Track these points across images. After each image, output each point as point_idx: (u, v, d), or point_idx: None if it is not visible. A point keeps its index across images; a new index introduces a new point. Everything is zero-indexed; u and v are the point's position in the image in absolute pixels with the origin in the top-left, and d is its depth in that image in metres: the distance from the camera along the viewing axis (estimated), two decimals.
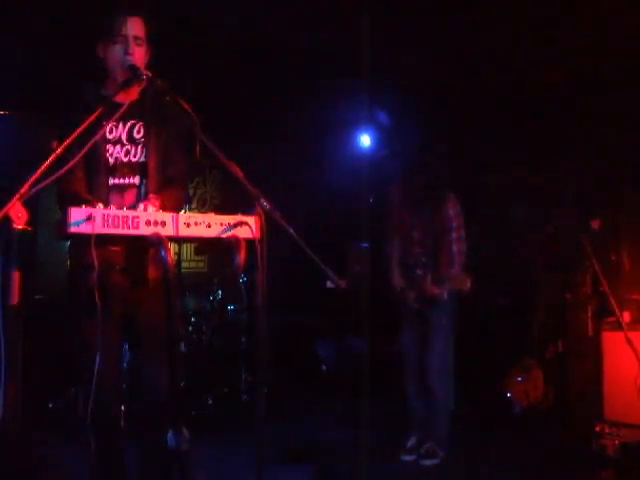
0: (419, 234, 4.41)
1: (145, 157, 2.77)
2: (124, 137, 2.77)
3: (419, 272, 4.34)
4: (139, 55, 2.68)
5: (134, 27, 2.68)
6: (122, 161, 2.75)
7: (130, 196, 2.75)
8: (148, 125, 2.78)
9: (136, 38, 2.68)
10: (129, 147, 2.77)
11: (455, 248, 4.33)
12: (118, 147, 2.75)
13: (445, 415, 4.37)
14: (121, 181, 2.75)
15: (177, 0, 4.79)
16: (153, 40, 2.78)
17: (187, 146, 2.78)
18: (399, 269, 4.48)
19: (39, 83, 5.39)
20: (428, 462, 4.27)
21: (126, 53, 2.65)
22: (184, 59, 5.10)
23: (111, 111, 2.56)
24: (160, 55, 2.84)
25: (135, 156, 2.77)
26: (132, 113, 2.75)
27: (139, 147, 2.77)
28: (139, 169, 2.76)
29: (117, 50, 2.67)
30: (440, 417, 4.36)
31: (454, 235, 4.35)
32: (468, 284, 4.14)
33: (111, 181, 2.73)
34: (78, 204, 2.12)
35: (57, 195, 2.67)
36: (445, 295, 4.25)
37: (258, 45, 5.44)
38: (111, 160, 2.73)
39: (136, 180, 2.76)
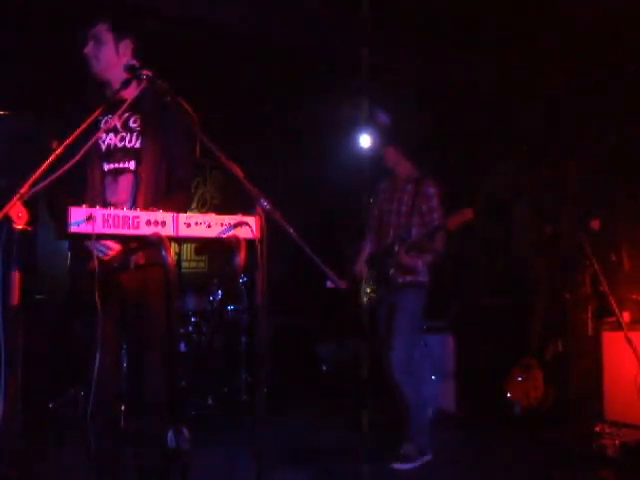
0: (396, 217, 4.37)
1: (141, 144, 2.78)
2: (119, 125, 2.80)
3: (396, 248, 4.28)
4: (97, 51, 2.77)
5: (91, 30, 2.79)
6: (116, 146, 2.77)
7: (126, 180, 2.75)
8: (145, 117, 2.80)
9: (92, 36, 2.78)
10: (124, 134, 2.79)
11: (440, 226, 4.23)
12: (111, 134, 2.78)
13: (417, 414, 4.19)
14: (116, 165, 2.76)
15: (178, 0, 4.80)
16: (130, 32, 2.84)
17: (191, 149, 2.80)
18: (365, 261, 4.48)
19: (39, 83, 5.40)
20: (399, 466, 4.06)
21: (88, 58, 2.78)
22: (184, 59, 5.10)
23: (109, 108, 2.58)
24: (160, 55, 2.85)
25: (130, 142, 2.78)
26: (129, 107, 2.75)
27: (134, 134, 2.79)
28: (134, 154, 2.77)
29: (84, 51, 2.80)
30: (411, 416, 4.19)
31: (436, 215, 4.27)
32: (470, 214, 4.04)
33: (106, 167, 2.75)
34: (61, 207, 2.13)
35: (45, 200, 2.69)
36: (419, 264, 4.21)
37: (258, 45, 5.44)
38: (103, 147, 2.76)
39: (131, 165, 2.76)
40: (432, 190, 4.31)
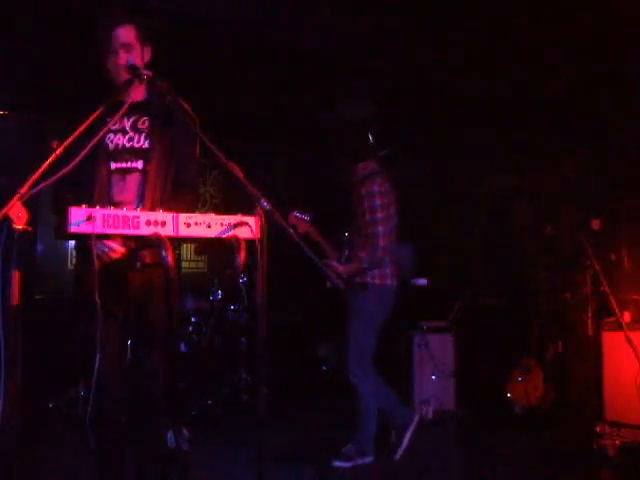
0: (353, 223, 4.32)
1: (149, 145, 2.77)
2: (128, 127, 2.79)
3: (347, 251, 4.30)
4: (129, 59, 2.73)
5: (120, 36, 2.75)
6: (124, 146, 2.77)
7: (133, 180, 2.75)
8: (153, 119, 2.80)
9: (123, 45, 2.74)
10: (132, 135, 2.79)
11: (369, 231, 4.15)
12: (120, 135, 2.78)
13: (366, 419, 4.17)
14: (123, 165, 2.76)
15: (178, 0, 4.80)
16: (151, 39, 2.83)
17: (195, 149, 2.81)
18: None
19: (39, 83, 5.40)
20: (338, 464, 4.11)
21: (116, 62, 2.74)
22: (185, 60, 5.10)
23: (116, 109, 2.58)
24: (161, 56, 2.85)
25: (138, 142, 2.78)
26: (138, 110, 2.79)
27: (142, 135, 2.79)
28: (142, 154, 2.77)
29: (112, 60, 2.76)
30: (363, 418, 4.18)
31: (367, 217, 4.16)
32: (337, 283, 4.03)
33: (113, 165, 2.75)
34: (64, 205, 2.13)
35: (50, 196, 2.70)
36: (343, 271, 4.15)
37: (259, 45, 5.44)
38: (111, 146, 2.76)
39: (139, 164, 2.76)
40: (364, 191, 4.18)
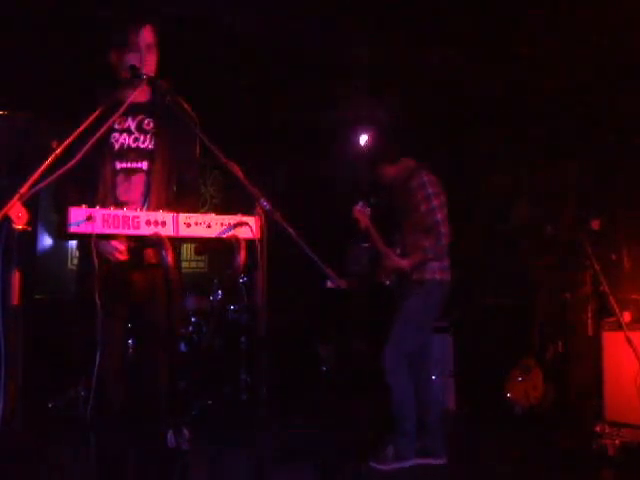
0: (401, 223, 4.29)
1: (154, 145, 2.78)
2: (133, 127, 2.80)
3: (398, 251, 4.26)
4: (151, 62, 2.75)
5: (146, 36, 2.75)
6: (130, 146, 2.77)
7: (138, 180, 2.76)
8: (158, 120, 2.81)
9: (148, 46, 2.74)
10: (137, 135, 2.80)
11: (429, 221, 4.09)
12: (125, 135, 2.78)
13: (399, 416, 4.09)
14: (128, 165, 2.76)
15: (179, 0, 4.80)
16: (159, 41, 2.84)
17: (196, 149, 2.82)
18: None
19: (39, 83, 5.40)
20: (373, 465, 4.07)
21: (140, 62, 2.69)
22: (185, 60, 5.10)
23: (117, 108, 2.58)
24: (161, 56, 2.85)
25: (144, 143, 2.79)
26: (142, 110, 2.80)
27: (148, 135, 2.80)
28: (147, 155, 2.78)
29: (131, 59, 2.70)
30: (398, 416, 4.10)
31: (423, 208, 4.10)
32: (387, 279, 4.07)
33: (118, 165, 2.75)
34: (67, 204, 2.14)
35: (52, 195, 2.70)
36: (406, 264, 4.12)
37: (258, 45, 5.44)
38: (116, 145, 2.76)
39: (144, 165, 2.77)
40: (414, 184, 4.14)
